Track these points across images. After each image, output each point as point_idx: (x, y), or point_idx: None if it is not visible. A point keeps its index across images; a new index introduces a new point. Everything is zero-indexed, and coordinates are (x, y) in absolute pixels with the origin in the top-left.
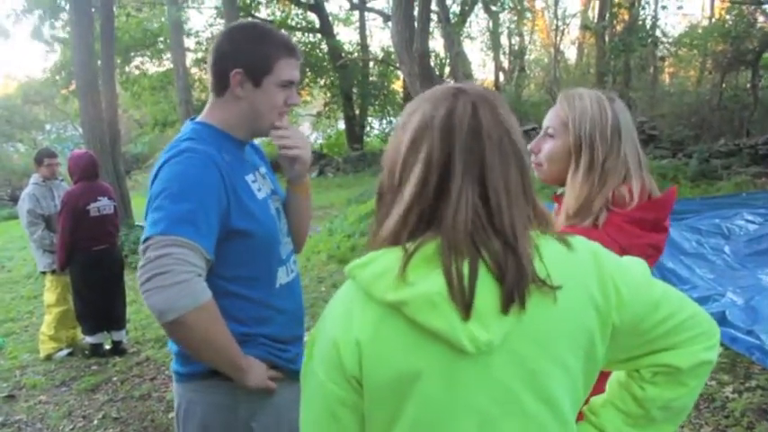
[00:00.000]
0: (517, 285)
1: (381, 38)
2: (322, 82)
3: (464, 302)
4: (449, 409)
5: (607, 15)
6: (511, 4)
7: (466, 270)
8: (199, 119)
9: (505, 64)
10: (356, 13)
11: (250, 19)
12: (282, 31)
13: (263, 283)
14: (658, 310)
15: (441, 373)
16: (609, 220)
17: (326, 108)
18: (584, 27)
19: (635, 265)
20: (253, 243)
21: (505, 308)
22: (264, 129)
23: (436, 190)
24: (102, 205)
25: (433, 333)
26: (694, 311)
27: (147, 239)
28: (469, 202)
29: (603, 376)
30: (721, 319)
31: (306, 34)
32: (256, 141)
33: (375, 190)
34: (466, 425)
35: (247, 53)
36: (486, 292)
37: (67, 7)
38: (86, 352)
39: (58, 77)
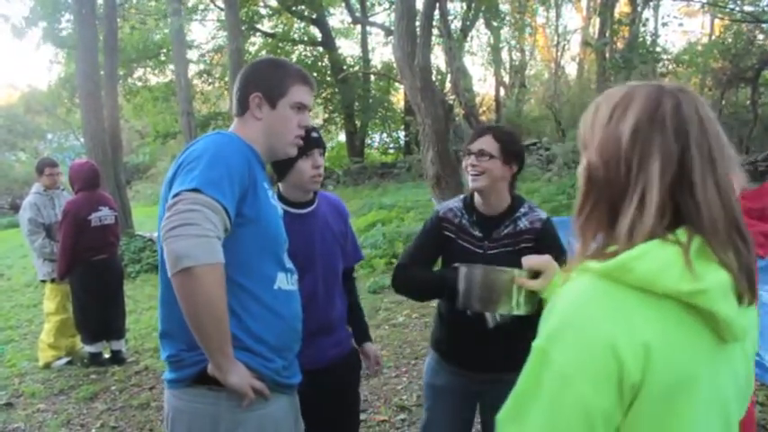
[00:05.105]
0: (749, 280)
1: (383, 52)
2: (323, 95)
3: (743, 291)
4: (711, 405)
5: (607, 32)
6: (511, 20)
7: (733, 262)
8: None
9: (506, 79)
10: (358, 27)
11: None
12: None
13: (257, 275)
14: None
15: (709, 369)
16: None
17: (327, 121)
18: (586, 44)
19: None
20: (254, 232)
21: (740, 301)
22: (281, 148)
23: (676, 183)
24: (104, 215)
25: (712, 323)
26: None
27: (177, 194)
28: (714, 198)
29: None
30: None
31: (307, 48)
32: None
33: (581, 180)
34: (716, 419)
35: (266, 79)
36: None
37: (72, 18)
38: (85, 361)
39: (63, 91)
